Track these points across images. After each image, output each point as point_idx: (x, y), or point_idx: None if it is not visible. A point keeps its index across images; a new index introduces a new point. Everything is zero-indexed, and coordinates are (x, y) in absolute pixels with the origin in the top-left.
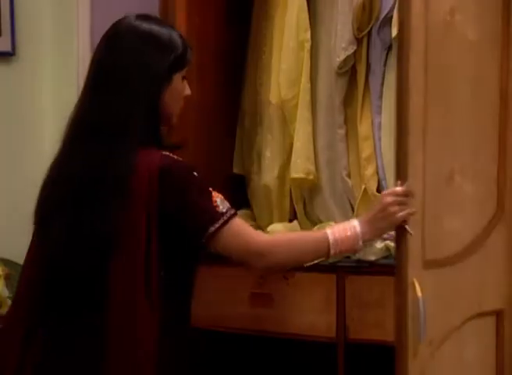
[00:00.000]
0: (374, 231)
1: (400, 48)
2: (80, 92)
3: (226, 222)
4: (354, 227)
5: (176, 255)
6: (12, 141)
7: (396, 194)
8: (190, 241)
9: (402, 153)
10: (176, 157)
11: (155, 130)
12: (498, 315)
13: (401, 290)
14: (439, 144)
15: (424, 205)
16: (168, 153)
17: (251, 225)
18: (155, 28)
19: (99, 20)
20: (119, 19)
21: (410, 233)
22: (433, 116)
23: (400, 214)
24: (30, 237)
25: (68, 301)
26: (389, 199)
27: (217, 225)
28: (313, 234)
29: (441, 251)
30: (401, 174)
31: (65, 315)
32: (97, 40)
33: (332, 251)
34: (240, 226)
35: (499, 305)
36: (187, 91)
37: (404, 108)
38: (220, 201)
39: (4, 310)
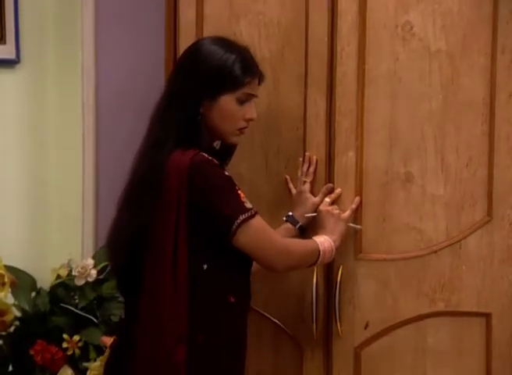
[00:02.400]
0: (339, 237)
1: None
2: (84, 100)
3: (253, 216)
4: (328, 240)
5: (215, 250)
6: (17, 147)
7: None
8: (219, 234)
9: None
10: (207, 156)
11: (196, 138)
12: (487, 319)
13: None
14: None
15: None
16: (201, 152)
17: None
18: (214, 49)
19: (103, 28)
20: (196, 41)
21: (360, 228)
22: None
23: (345, 214)
24: (36, 245)
25: (120, 286)
26: (327, 207)
27: (245, 216)
28: (310, 243)
29: (393, 249)
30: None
31: (123, 296)
32: (101, 47)
33: (319, 261)
34: (264, 224)
35: (486, 309)
36: (248, 115)
37: None
38: (245, 199)
39: (10, 317)
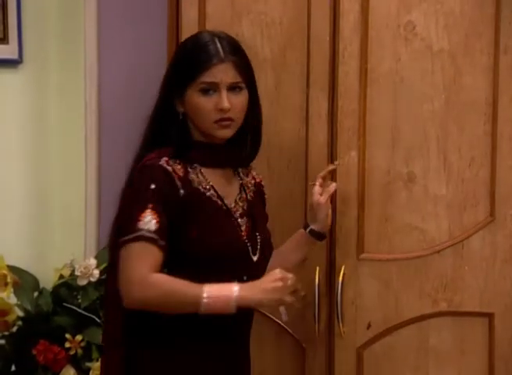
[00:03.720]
0: (250, 300)
1: None
2: (86, 100)
3: (133, 240)
4: (232, 290)
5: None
6: (19, 148)
7: (282, 278)
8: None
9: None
10: (164, 161)
11: (179, 138)
12: (489, 319)
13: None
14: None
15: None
16: (163, 157)
17: None
18: (178, 49)
19: (106, 28)
20: None
21: (285, 317)
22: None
23: (279, 295)
24: (38, 245)
25: None
26: (278, 275)
27: (128, 237)
28: (191, 289)
29: (395, 249)
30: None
31: None
32: (104, 47)
33: (202, 309)
34: (140, 252)
35: (489, 309)
36: (219, 105)
37: None
38: (148, 220)
39: (12, 317)
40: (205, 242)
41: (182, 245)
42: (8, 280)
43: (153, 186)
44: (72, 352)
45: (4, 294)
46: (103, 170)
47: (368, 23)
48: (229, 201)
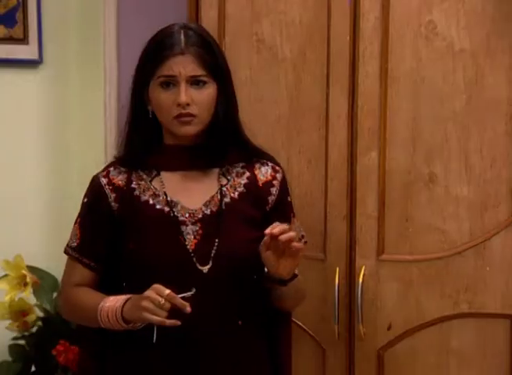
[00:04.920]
0: (131, 315)
1: None
2: (106, 101)
3: (64, 252)
4: (120, 300)
5: None
6: (40, 148)
7: (149, 296)
8: None
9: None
10: (103, 171)
11: (151, 138)
12: (511, 320)
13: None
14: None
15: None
16: (112, 162)
17: None
18: (153, 36)
19: (126, 27)
20: None
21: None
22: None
23: (148, 315)
24: (58, 245)
25: None
26: (150, 293)
27: (65, 248)
28: (95, 302)
29: (416, 249)
30: None
31: None
32: (124, 47)
33: (98, 318)
34: (68, 266)
35: (511, 310)
36: (177, 99)
37: None
38: (73, 235)
39: (32, 317)
40: (141, 253)
41: (123, 257)
42: (28, 280)
43: (85, 200)
44: None
45: (23, 295)
46: None
47: (389, 23)
48: (191, 206)
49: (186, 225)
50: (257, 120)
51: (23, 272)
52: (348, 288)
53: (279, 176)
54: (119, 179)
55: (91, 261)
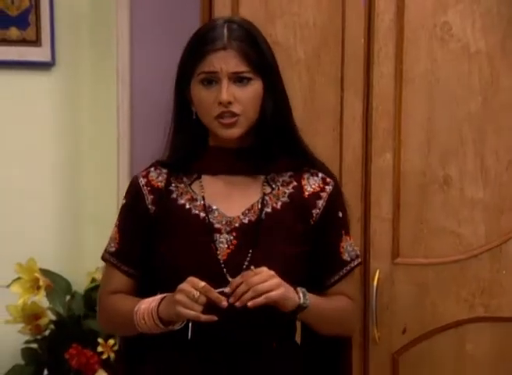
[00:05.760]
0: (167, 313)
1: None
2: (119, 103)
3: (102, 258)
4: (154, 301)
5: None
6: (52, 150)
7: (183, 289)
8: None
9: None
10: (144, 171)
11: (196, 141)
12: None
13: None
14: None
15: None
16: (155, 162)
17: None
18: (196, 32)
19: (138, 31)
20: None
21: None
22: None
23: (183, 309)
24: (71, 249)
25: None
26: (184, 286)
27: (103, 252)
28: (131, 307)
29: (431, 253)
30: None
31: None
32: (137, 48)
33: (135, 322)
34: (105, 273)
35: None
36: (218, 97)
37: None
38: (112, 239)
39: (45, 321)
40: (169, 258)
41: (155, 262)
42: (41, 283)
43: (124, 201)
44: (104, 356)
45: (36, 298)
46: (135, 173)
47: (404, 24)
48: (229, 213)
49: (221, 233)
50: None
51: (36, 275)
52: (362, 292)
53: (328, 188)
54: (158, 180)
55: (130, 267)
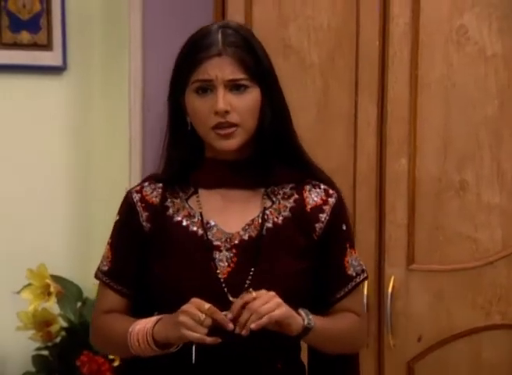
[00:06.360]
0: (165, 334)
1: None
2: (131, 107)
3: (95, 276)
4: (150, 322)
5: None
6: (64, 155)
7: (186, 311)
8: None
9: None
10: (137, 186)
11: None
12: None
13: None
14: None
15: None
16: (148, 177)
17: None
18: (189, 38)
19: (151, 33)
20: None
21: (193, 358)
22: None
23: (187, 332)
24: (82, 255)
25: None
26: (188, 308)
27: (96, 271)
28: (125, 327)
29: (446, 259)
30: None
31: None
32: (149, 52)
33: (129, 344)
34: (99, 292)
35: None
36: (213, 107)
37: None
38: (104, 258)
39: (56, 327)
40: (165, 279)
41: (149, 281)
42: (52, 289)
43: (117, 218)
44: (116, 363)
45: (47, 304)
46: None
47: (419, 28)
48: (228, 229)
49: (220, 251)
50: None
51: (47, 281)
52: (377, 299)
53: (331, 200)
54: (153, 195)
55: (123, 287)
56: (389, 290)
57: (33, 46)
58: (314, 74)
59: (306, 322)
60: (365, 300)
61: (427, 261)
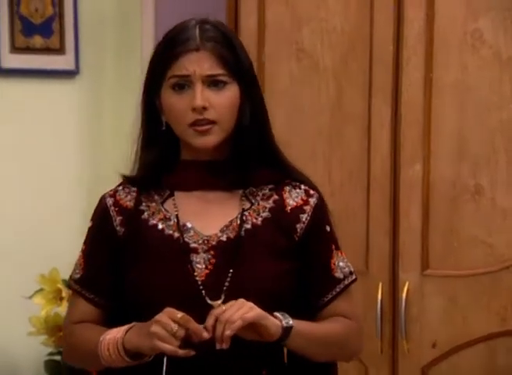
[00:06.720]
0: (136, 344)
1: None
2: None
3: (68, 284)
4: (120, 331)
5: None
6: (77, 159)
7: (159, 321)
8: None
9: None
10: (111, 190)
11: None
12: None
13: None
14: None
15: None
16: (123, 180)
17: None
18: (165, 34)
19: None
20: None
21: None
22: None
23: (159, 343)
24: None
25: None
26: (161, 317)
27: (70, 278)
28: (99, 334)
29: (461, 264)
30: None
31: None
32: None
33: (99, 354)
34: (70, 301)
35: None
36: (193, 103)
37: None
38: (77, 265)
39: None
40: (141, 284)
41: (125, 288)
42: (64, 294)
43: (90, 224)
44: None
45: (59, 309)
46: None
47: (434, 31)
48: (206, 231)
49: (198, 253)
50: (298, 131)
51: (59, 286)
52: (391, 304)
53: (312, 201)
54: (127, 199)
55: (96, 296)
56: (404, 295)
57: (46, 50)
58: (328, 77)
59: (284, 322)
60: (379, 304)
61: (441, 266)
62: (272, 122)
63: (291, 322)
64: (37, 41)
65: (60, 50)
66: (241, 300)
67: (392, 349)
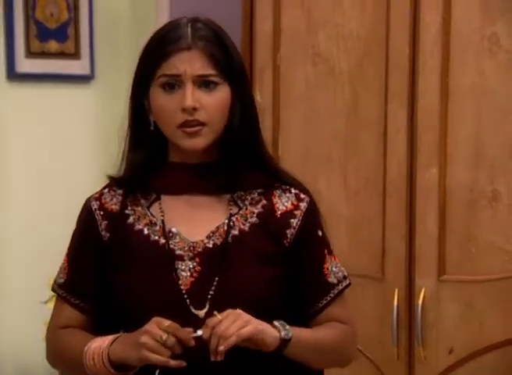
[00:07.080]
0: (124, 356)
1: None
2: None
3: (52, 289)
4: (105, 341)
5: None
6: (93, 164)
7: (148, 331)
8: None
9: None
10: (96, 192)
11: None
12: None
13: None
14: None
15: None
16: (109, 182)
17: None
18: (155, 32)
19: None
20: None
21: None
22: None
23: (149, 354)
24: None
25: None
26: (150, 327)
27: (53, 286)
28: (84, 341)
29: (478, 270)
30: None
31: None
32: None
33: (84, 363)
34: (55, 306)
35: None
36: (182, 103)
37: None
38: (61, 270)
39: None
40: (126, 291)
41: (111, 294)
42: None
43: (75, 227)
44: None
45: None
46: None
47: (450, 36)
48: (192, 237)
49: (183, 260)
50: (313, 136)
51: None
52: (407, 309)
53: (303, 205)
54: (112, 203)
55: (81, 301)
56: (420, 301)
57: (61, 55)
58: (344, 82)
59: (283, 334)
60: (395, 310)
61: (458, 272)
62: (287, 126)
63: (291, 334)
64: (53, 45)
65: (75, 55)
66: (238, 311)
67: (409, 355)
